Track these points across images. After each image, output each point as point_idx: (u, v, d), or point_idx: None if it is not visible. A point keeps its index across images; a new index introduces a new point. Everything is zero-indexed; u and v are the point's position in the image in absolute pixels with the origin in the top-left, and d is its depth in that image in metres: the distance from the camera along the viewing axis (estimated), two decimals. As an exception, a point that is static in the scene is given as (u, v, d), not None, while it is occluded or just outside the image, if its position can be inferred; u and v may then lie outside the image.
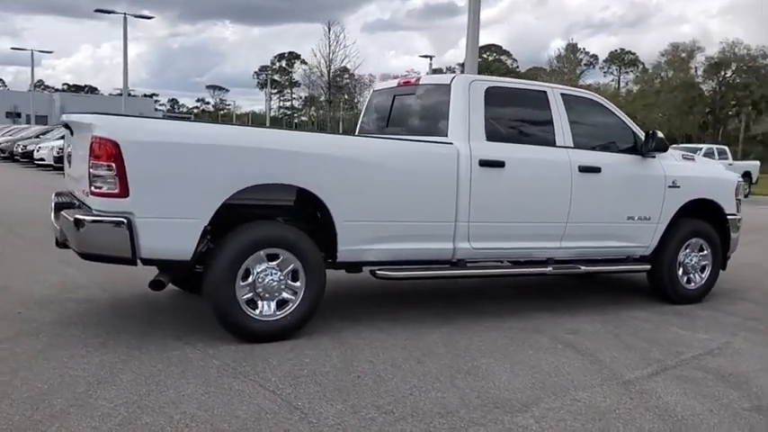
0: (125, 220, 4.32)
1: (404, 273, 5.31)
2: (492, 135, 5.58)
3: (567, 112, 6.02)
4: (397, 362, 4.58)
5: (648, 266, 6.47)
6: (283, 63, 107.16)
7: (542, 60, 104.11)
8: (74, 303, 5.68)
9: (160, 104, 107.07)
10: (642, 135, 6.38)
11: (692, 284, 6.78)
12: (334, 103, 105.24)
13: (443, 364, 4.59)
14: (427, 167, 5.32)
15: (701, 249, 6.80)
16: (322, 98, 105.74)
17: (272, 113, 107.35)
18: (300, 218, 5.17)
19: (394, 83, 6.65)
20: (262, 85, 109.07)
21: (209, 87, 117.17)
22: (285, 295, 4.87)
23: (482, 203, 5.46)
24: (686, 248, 6.69)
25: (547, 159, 5.84)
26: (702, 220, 6.79)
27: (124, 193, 4.30)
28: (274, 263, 4.80)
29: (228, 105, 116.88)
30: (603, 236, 6.22)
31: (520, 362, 4.71)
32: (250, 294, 4.75)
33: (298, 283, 4.89)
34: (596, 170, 6.02)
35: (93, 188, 4.35)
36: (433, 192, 5.34)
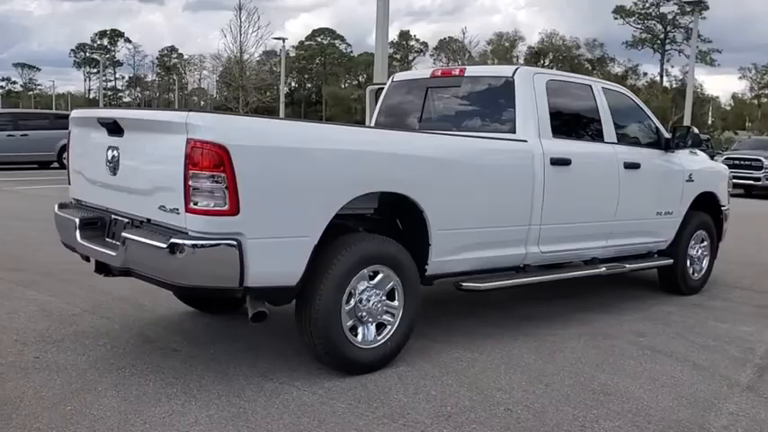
0: (235, 243, 3.50)
1: (490, 284, 4.85)
2: (556, 131, 5.26)
3: (609, 107, 5.85)
4: (522, 384, 4.16)
5: (671, 260, 6.50)
6: (105, 41, 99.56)
7: (372, 46, 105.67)
8: (87, 339, 4.62)
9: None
10: (663, 129, 6.38)
11: (696, 275, 6.94)
12: (162, 83, 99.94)
13: (567, 384, 4.23)
14: (510, 168, 4.91)
15: (703, 241, 6.97)
16: (148, 78, 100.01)
17: (92, 95, 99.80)
18: (380, 229, 4.54)
19: (423, 73, 6.08)
20: (79, 64, 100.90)
21: (16, 65, 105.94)
22: (384, 318, 4.25)
23: (552, 204, 5.14)
24: (693, 240, 6.81)
25: (602, 156, 5.65)
26: (702, 211, 6.94)
27: (234, 209, 3.47)
28: (373, 282, 4.17)
29: (39, 85, 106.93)
30: (639, 232, 6.15)
31: (637, 374, 4.46)
32: (352, 320, 4.09)
33: (395, 303, 4.29)
34: (637, 166, 5.91)
35: (192, 204, 3.46)
36: (514, 194, 4.95)
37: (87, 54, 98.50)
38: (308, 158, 3.75)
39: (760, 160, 20.57)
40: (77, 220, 4.22)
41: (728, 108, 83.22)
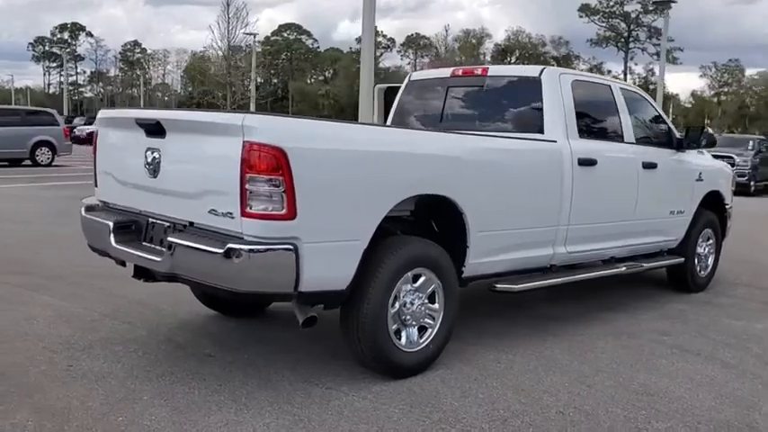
0: (292, 247, 3.43)
1: (524, 285, 4.84)
2: (581, 132, 5.28)
3: (627, 107, 5.89)
4: (564, 386, 4.16)
5: (682, 259, 6.58)
6: (66, 35, 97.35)
7: (338, 41, 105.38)
8: (116, 345, 4.49)
9: None
10: (674, 129, 6.45)
11: (702, 273, 7.04)
12: (125, 78, 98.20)
13: (608, 385, 4.24)
14: (543, 168, 4.91)
15: (709, 239, 7.07)
16: (111, 73, 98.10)
17: (51, 89, 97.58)
18: (415, 231, 4.49)
19: (442, 72, 6.03)
20: (38, 58, 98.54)
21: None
22: (426, 321, 4.22)
23: (579, 205, 5.15)
24: (701, 239, 6.91)
25: (623, 156, 5.69)
26: (708, 210, 7.04)
27: (292, 213, 3.39)
28: (416, 284, 4.13)
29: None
30: (654, 231, 6.21)
31: (672, 374, 4.50)
32: (396, 324, 4.05)
33: (436, 306, 4.26)
34: (654, 166, 5.96)
35: (248, 208, 3.38)
36: (545, 194, 4.95)
37: (47, 48, 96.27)
38: (362, 161, 3.69)
39: (732, 157, 20.99)
40: (111, 224, 4.09)
41: (689, 106, 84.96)
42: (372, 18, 14.12)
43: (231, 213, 3.44)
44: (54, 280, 6.21)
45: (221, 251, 3.37)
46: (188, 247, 3.55)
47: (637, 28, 75.94)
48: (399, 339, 4.07)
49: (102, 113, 4.47)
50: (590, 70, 77.63)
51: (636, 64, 76.49)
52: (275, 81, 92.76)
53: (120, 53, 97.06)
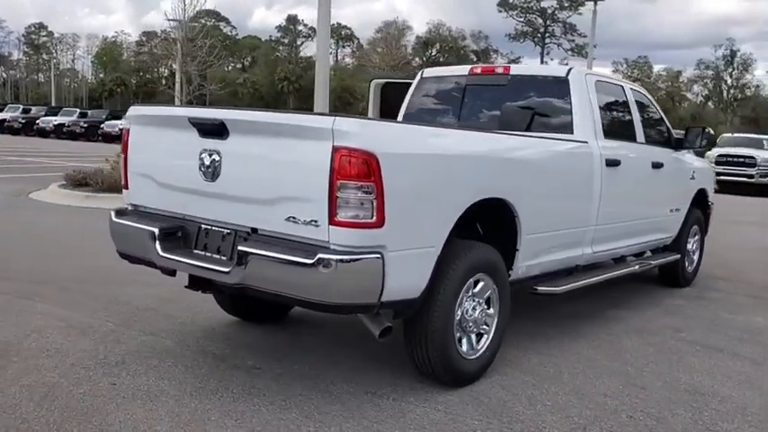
0: (380, 256, 3.27)
1: (565, 287, 4.83)
2: (606, 132, 5.31)
3: (637, 108, 5.98)
4: (619, 388, 4.17)
5: (678, 255, 6.76)
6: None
7: (253, 29, 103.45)
8: (150, 359, 4.19)
9: None
10: (671, 128, 6.61)
11: (690, 268, 7.27)
12: (30, 63, 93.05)
13: (659, 386, 4.29)
14: (579, 169, 4.91)
15: (695, 235, 7.30)
16: (13, 56, 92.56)
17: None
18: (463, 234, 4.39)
19: (458, 70, 5.93)
20: None
21: None
22: (483, 327, 4.14)
23: (605, 205, 5.19)
24: (689, 235, 7.13)
25: (639, 156, 5.77)
26: (695, 207, 7.27)
27: (380, 221, 3.23)
28: (476, 290, 4.04)
29: None
30: (658, 229, 6.36)
31: (709, 372, 4.59)
32: (458, 332, 3.95)
33: (491, 311, 4.18)
34: (661, 166, 6.09)
35: (338, 217, 3.19)
36: (581, 195, 4.96)
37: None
38: (441, 164, 3.57)
39: (753, 158, 21.72)
40: (157, 231, 3.80)
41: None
42: (328, 8, 13.85)
43: (316, 221, 3.24)
44: (42, 285, 5.76)
45: (311, 261, 3.17)
46: (267, 257, 3.32)
47: (553, 24, 78.14)
48: (461, 347, 3.97)
49: (136, 110, 4.14)
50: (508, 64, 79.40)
51: (552, 59, 78.64)
52: (193, 68, 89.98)
53: (23, 35, 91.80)
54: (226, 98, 72.59)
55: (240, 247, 3.42)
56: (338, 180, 3.15)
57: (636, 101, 5.98)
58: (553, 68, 5.56)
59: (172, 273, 3.90)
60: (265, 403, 3.63)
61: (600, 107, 5.30)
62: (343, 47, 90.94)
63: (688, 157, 6.80)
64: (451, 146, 3.69)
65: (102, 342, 4.43)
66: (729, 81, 75.21)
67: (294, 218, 3.32)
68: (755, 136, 27.14)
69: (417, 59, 77.57)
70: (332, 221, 3.20)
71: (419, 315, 3.73)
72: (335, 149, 3.15)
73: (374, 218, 3.20)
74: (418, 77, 6.05)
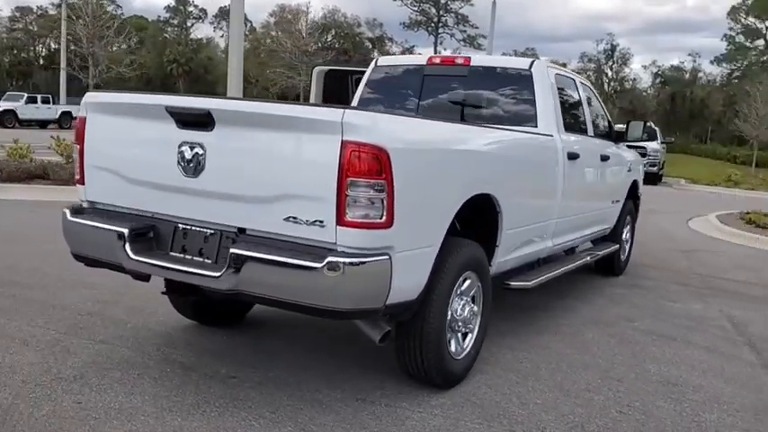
0: (388, 258, 3.08)
1: (536, 280, 4.80)
2: (566, 126, 5.33)
3: (587, 101, 6.05)
4: (598, 382, 4.20)
5: (617, 245, 6.94)
6: None
7: (139, 9, 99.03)
8: (113, 372, 3.80)
9: None
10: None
11: (623, 257, 7.50)
12: None
13: (632, 378, 4.35)
14: (549, 163, 4.89)
15: (628, 225, 7.53)
16: None
17: None
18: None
19: (415, 59, 5.77)
20: None
21: None
22: (468, 326, 4.04)
23: (565, 198, 5.22)
24: (624, 225, 7.34)
25: (591, 149, 5.83)
26: (628, 198, 7.49)
27: (390, 221, 3.04)
28: (463, 288, 3.93)
29: None
30: (602, 220, 6.49)
31: (673, 362, 4.72)
32: (449, 332, 3.83)
33: (475, 308, 4.09)
34: (608, 158, 6.21)
35: (347, 216, 2.97)
36: (548, 189, 4.95)
37: None
38: (445, 160, 3.42)
39: (644, 148, 22.40)
40: (126, 231, 3.42)
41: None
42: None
43: (321, 222, 3.00)
44: (-39, 290, 5.17)
45: (318, 265, 2.94)
46: (266, 260, 3.05)
47: (446, 14, 79.29)
48: (450, 347, 3.85)
49: (94, 97, 3.71)
50: (402, 53, 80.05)
51: (445, 49, 79.88)
52: (74, 48, 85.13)
53: None
54: (111, 81, 69.18)
55: (234, 250, 3.12)
56: (348, 177, 2.93)
57: (585, 94, 6.04)
58: (515, 60, 5.52)
59: (144, 277, 3.53)
60: (254, 416, 3.36)
61: (560, 100, 5.30)
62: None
63: (624, 149, 6.97)
64: (453, 140, 3.55)
65: (51, 354, 3.99)
66: (610, 74, 79.09)
67: (294, 218, 3.07)
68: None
69: (313, 45, 76.66)
70: (340, 222, 2.97)
71: (414, 317, 3.57)
72: (345, 144, 2.92)
73: (384, 218, 3.01)
74: (372, 65, 5.84)
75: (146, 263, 3.37)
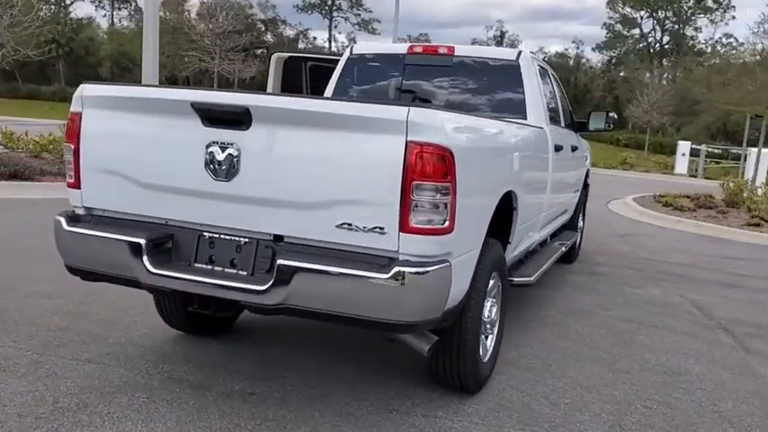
0: (449, 265, 2.91)
1: (537, 275, 4.73)
2: (550, 118, 5.30)
3: (559, 91, 6.07)
4: (609, 376, 4.21)
5: (578, 233, 7.05)
6: None
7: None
8: (115, 395, 3.42)
9: None
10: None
11: (576, 244, 7.63)
12: None
13: (637, 369, 4.40)
14: (544, 156, 4.83)
15: (581, 212, 7.68)
16: None
17: None
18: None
19: (393, 48, 5.54)
20: None
21: None
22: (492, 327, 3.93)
23: (552, 190, 5.21)
24: (579, 213, 7.48)
25: (567, 140, 5.84)
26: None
27: (452, 226, 2.86)
28: (488, 288, 3.81)
29: None
30: (566, 210, 6.55)
31: (663, 349, 4.82)
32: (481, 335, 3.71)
33: (495, 308, 3.99)
34: (576, 149, 6.27)
35: (412, 222, 2.76)
36: (543, 182, 4.90)
37: None
38: (490, 158, 3.27)
39: None
40: (143, 242, 3.06)
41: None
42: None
43: (382, 228, 2.78)
44: None
45: (385, 276, 2.72)
46: (322, 272, 2.79)
47: (339, -3, 78.71)
48: (480, 350, 3.72)
49: (92, 90, 3.26)
50: (296, 36, 78.92)
51: (339, 33, 79.52)
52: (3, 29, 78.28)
53: None
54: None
55: (282, 261, 2.84)
56: (413, 180, 2.72)
57: (555, 84, 6.05)
58: (501, 51, 5.41)
59: (160, 291, 3.17)
60: (294, 437, 3.11)
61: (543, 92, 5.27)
62: (119, 9, 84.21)
63: (581, 139, 7.07)
64: (496, 137, 3.40)
65: (37, 379, 3.54)
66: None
67: (349, 224, 2.82)
68: None
69: (203, 26, 74.11)
70: (403, 228, 2.76)
71: (454, 323, 3.40)
72: (410, 145, 2.71)
73: (447, 223, 2.83)
74: (347, 54, 5.57)
75: (169, 277, 3.02)
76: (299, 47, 76.58)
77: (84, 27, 77.07)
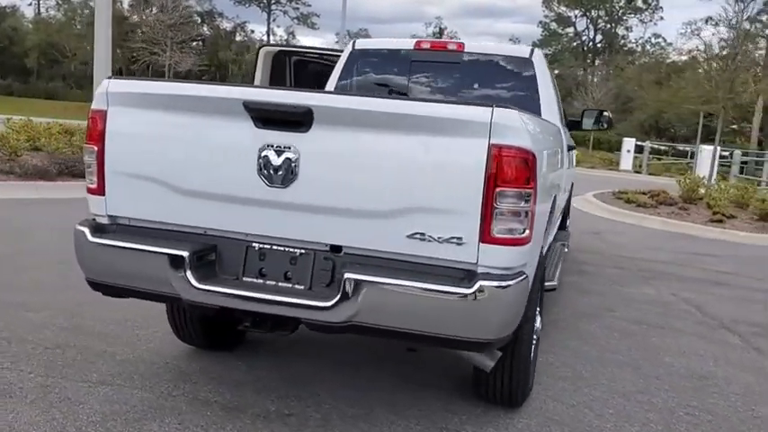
0: (527, 277, 2.73)
1: (557, 278, 4.61)
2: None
3: (554, 89, 5.96)
4: (639, 382, 4.13)
5: (568, 232, 6.99)
6: None
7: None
8: (148, 421, 3.11)
9: None
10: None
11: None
12: None
13: (664, 373, 4.33)
14: (564, 156, 4.71)
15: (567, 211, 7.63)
16: None
17: None
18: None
19: (400, 43, 5.29)
20: None
21: None
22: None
23: (562, 192, 5.11)
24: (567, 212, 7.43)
25: (567, 140, 5.76)
26: (564, 185, 7.58)
27: (530, 235, 2.68)
28: (532, 297, 3.66)
29: None
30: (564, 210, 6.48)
31: (682, 352, 4.78)
32: (525, 346, 3.55)
33: (539, 317, 3.84)
34: (573, 148, 6.19)
35: (494, 232, 2.56)
36: (560, 182, 4.77)
37: None
38: (551, 162, 3.10)
39: None
40: (186, 254, 2.76)
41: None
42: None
43: (459, 239, 2.57)
44: None
45: (468, 291, 2.52)
46: (395, 287, 2.56)
47: (278, -10, 77.59)
48: (523, 362, 3.56)
49: (119, 85, 2.93)
50: (234, 29, 77.42)
51: (278, 26, 78.34)
52: None
53: None
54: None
55: (349, 275, 2.60)
56: (497, 187, 2.52)
57: (553, 83, 5.94)
58: (514, 48, 5.25)
59: (204, 309, 2.87)
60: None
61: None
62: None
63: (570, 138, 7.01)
64: (555, 139, 3.24)
65: (50, 405, 3.19)
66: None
67: (422, 234, 2.60)
68: None
69: (136, 17, 71.86)
70: (484, 238, 2.56)
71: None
72: (493, 148, 2.51)
73: (526, 232, 2.64)
74: (349, 49, 5.31)
75: (217, 293, 2.73)
76: (237, 40, 75.33)
77: (8, 15, 73.66)
